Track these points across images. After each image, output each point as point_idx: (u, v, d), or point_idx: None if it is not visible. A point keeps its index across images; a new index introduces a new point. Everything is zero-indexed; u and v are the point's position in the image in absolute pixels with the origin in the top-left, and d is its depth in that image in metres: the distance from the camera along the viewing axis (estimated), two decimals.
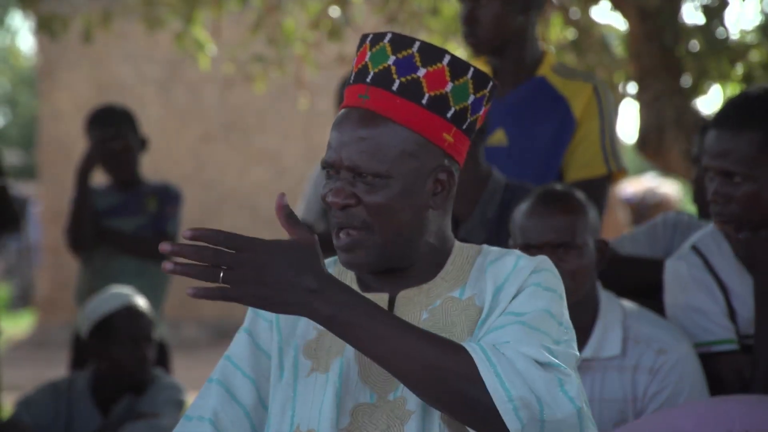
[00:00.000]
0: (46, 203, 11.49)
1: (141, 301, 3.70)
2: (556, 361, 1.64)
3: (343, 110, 1.76)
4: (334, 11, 5.33)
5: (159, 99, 11.34)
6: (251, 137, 11.48)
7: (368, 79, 1.74)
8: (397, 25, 5.38)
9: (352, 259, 1.75)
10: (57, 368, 7.54)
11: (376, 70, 1.73)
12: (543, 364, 1.63)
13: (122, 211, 4.41)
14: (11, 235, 4.32)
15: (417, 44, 1.73)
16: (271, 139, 11.49)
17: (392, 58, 1.73)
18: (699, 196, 2.98)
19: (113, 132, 4.36)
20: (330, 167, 1.75)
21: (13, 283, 15.60)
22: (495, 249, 1.83)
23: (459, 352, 1.63)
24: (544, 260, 1.78)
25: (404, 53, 1.73)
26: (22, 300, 15.12)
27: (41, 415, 3.58)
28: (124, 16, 5.69)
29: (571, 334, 1.75)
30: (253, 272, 1.59)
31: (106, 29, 5.59)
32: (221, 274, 1.59)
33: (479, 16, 3.08)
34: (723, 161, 2.42)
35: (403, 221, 1.73)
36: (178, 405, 3.57)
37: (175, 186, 4.57)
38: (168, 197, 4.47)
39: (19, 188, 15.14)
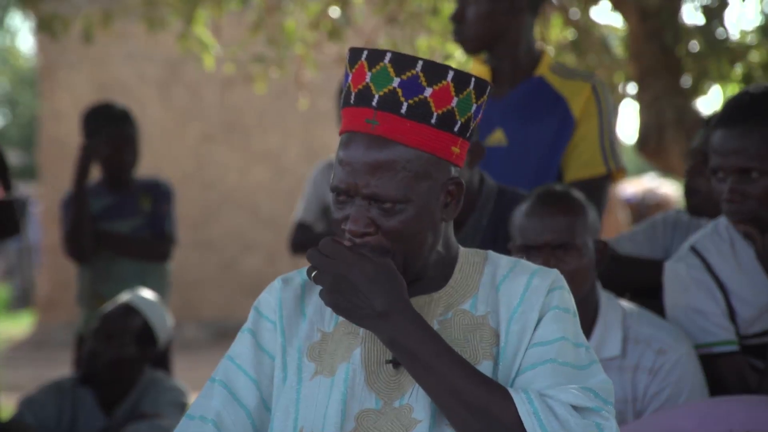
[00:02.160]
0: (46, 203, 11.49)
1: (144, 306, 3.68)
2: (594, 403, 1.68)
3: (349, 134, 1.74)
4: (335, 11, 5.33)
5: (159, 99, 11.34)
6: (251, 137, 11.48)
7: (374, 103, 1.71)
8: (397, 25, 5.38)
9: None
10: (57, 368, 7.54)
11: (382, 93, 1.71)
12: (581, 410, 1.67)
13: (118, 213, 4.39)
14: (11, 238, 4.31)
15: (420, 63, 1.71)
16: (271, 139, 11.49)
17: (397, 80, 1.71)
18: (690, 189, 2.95)
19: (120, 133, 4.35)
20: (343, 193, 1.74)
21: (13, 283, 15.60)
22: (502, 258, 1.84)
23: (505, 397, 1.66)
24: (556, 277, 1.79)
25: (408, 74, 1.71)
26: (22, 300, 15.12)
27: (44, 414, 3.58)
28: (125, 17, 5.69)
29: (592, 352, 1.78)
30: (332, 279, 1.69)
31: (106, 29, 5.59)
32: (313, 275, 1.71)
33: (466, 14, 3.11)
34: (737, 158, 2.41)
35: (420, 240, 1.74)
36: (181, 407, 3.57)
37: (165, 181, 4.54)
38: (161, 194, 4.45)
39: (19, 188, 15.14)
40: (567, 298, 1.78)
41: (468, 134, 1.76)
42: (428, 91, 1.71)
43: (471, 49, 3.17)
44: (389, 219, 1.72)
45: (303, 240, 4.24)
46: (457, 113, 1.73)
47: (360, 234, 1.72)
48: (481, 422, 1.66)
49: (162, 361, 4.18)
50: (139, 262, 4.35)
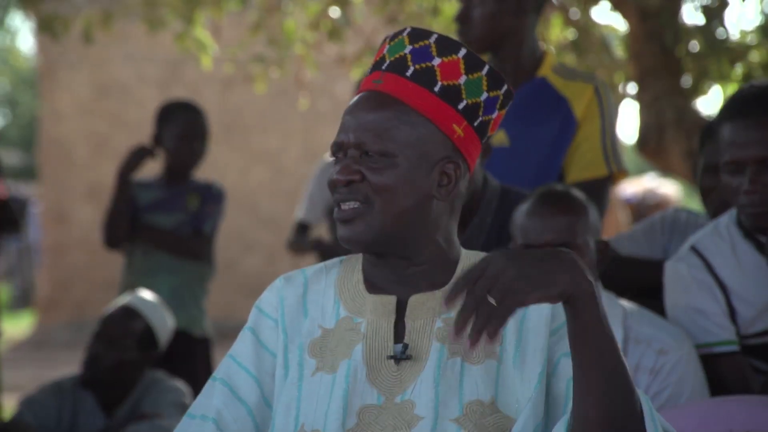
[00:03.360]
0: (46, 203, 11.49)
1: (145, 308, 3.69)
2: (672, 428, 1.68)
3: (357, 96, 1.79)
4: (334, 12, 5.33)
5: (159, 99, 11.32)
6: (251, 137, 11.48)
7: (384, 67, 1.77)
8: (397, 25, 5.39)
9: (351, 231, 1.75)
10: (57, 368, 7.54)
11: (393, 59, 1.77)
12: None
13: (164, 207, 4.43)
14: (10, 236, 4.34)
15: (434, 36, 1.76)
16: (271, 139, 11.50)
17: (409, 48, 1.76)
18: (714, 199, 2.93)
19: (194, 121, 4.47)
20: (339, 149, 1.77)
21: (13, 283, 15.59)
22: None
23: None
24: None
25: (421, 43, 1.76)
26: (22, 300, 15.12)
27: (45, 414, 3.58)
28: (125, 17, 5.70)
29: None
30: (515, 264, 1.54)
31: (106, 30, 5.60)
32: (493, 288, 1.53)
33: (471, 14, 3.12)
34: (757, 149, 2.40)
35: (405, 205, 1.74)
36: (182, 407, 3.57)
37: (219, 186, 4.61)
38: (210, 196, 4.51)
39: (19, 188, 15.14)
40: None
41: (476, 122, 1.76)
42: (437, 61, 1.74)
43: (476, 50, 3.16)
44: (375, 173, 1.73)
45: (303, 240, 4.26)
46: (463, 91, 1.74)
47: (345, 182, 1.73)
48: (617, 410, 1.60)
49: (202, 357, 4.22)
50: (173, 257, 4.38)
